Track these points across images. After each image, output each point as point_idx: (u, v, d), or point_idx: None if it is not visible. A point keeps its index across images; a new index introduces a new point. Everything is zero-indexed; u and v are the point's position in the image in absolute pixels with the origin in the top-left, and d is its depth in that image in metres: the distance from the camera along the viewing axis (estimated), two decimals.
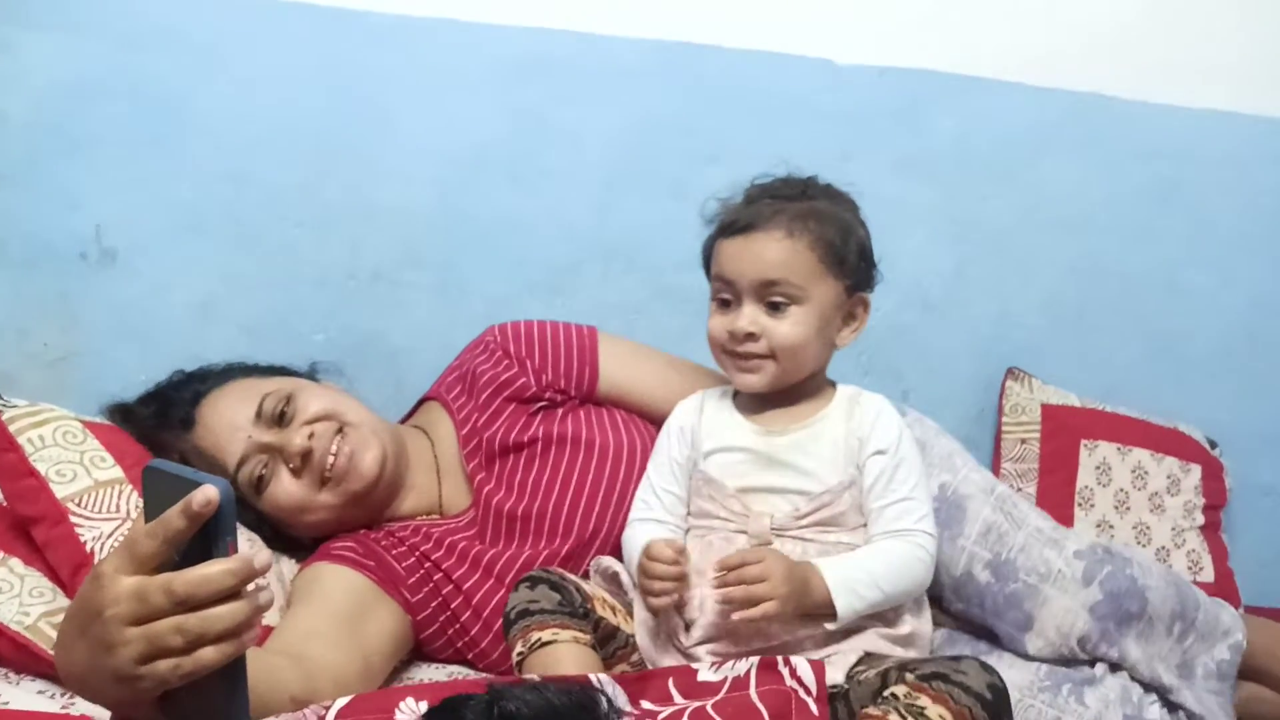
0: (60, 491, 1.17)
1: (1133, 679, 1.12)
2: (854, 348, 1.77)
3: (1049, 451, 1.67)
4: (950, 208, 1.76)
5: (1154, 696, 1.11)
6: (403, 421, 1.44)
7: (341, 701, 0.79)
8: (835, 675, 1.01)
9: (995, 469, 1.70)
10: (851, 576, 1.05)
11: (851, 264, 1.13)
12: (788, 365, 1.12)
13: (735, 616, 1.02)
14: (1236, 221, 1.80)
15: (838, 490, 1.10)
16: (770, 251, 1.11)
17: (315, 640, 1.06)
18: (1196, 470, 1.67)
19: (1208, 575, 1.61)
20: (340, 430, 1.26)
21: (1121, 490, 1.65)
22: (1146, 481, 1.66)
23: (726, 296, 1.13)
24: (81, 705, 0.98)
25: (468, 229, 1.68)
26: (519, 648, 1.05)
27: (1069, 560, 1.15)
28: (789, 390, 1.15)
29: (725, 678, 0.79)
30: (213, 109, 1.61)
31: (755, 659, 0.80)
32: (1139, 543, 1.62)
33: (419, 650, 1.26)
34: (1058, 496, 1.64)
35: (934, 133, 1.74)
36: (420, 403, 1.45)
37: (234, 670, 0.74)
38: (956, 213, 1.76)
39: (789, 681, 0.80)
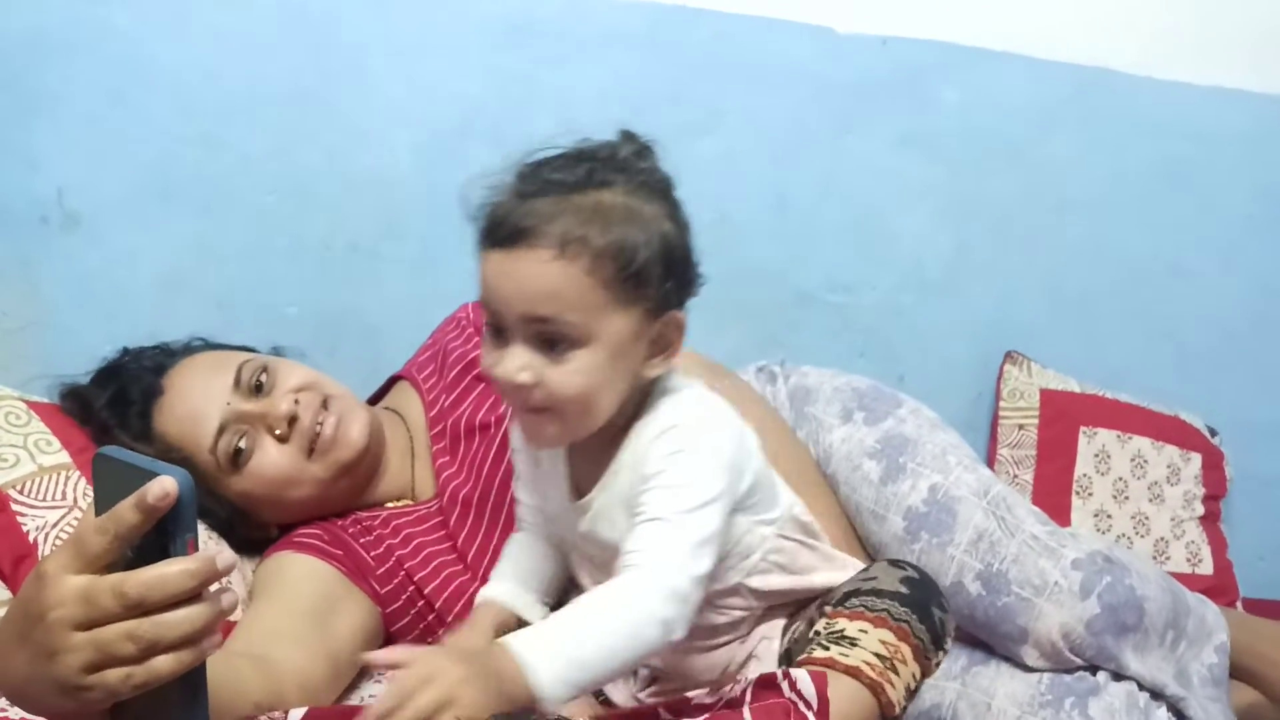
0: (0, 478, 1.09)
1: (1140, 687, 1.08)
2: (848, 328, 1.76)
3: (1047, 438, 1.63)
4: (952, 185, 1.70)
5: (1161, 704, 1.07)
6: (373, 401, 1.37)
7: (298, 713, 0.73)
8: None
9: (991, 455, 1.65)
10: (555, 651, 0.78)
11: (654, 279, 0.86)
12: (575, 420, 0.88)
13: None
14: (1243, 203, 1.76)
15: None
16: (536, 278, 0.84)
17: (280, 640, 1.00)
18: (1197, 459, 1.63)
19: (1206, 568, 1.57)
20: (324, 402, 1.20)
21: (1120, 479, 1.61)
22: (1146, 470, 1.61)
23: (497, 325, 0.87)
24: (19, 713, 0.91)
25: (450, 199, 1.58)
26: None
27: (1066, 571, 1.10)
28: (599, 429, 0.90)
29: (719, 697, 0.75)
30: (180, 67, 1.53)
31: (752, 677, 0.76)
32: (1137, 534, 1.58)
33: (391, 644, 1.19)
34: (1055, 484, 1.60)
35: (937, 106, 1.68)
36: (391, 382, 1.38)
37: (193, 680, 0.67)
38: (958, 190, 1.71)
39: (788, 694, 0.75)
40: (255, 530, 1.21)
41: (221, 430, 1.16)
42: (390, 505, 1.26)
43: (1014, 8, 1.68)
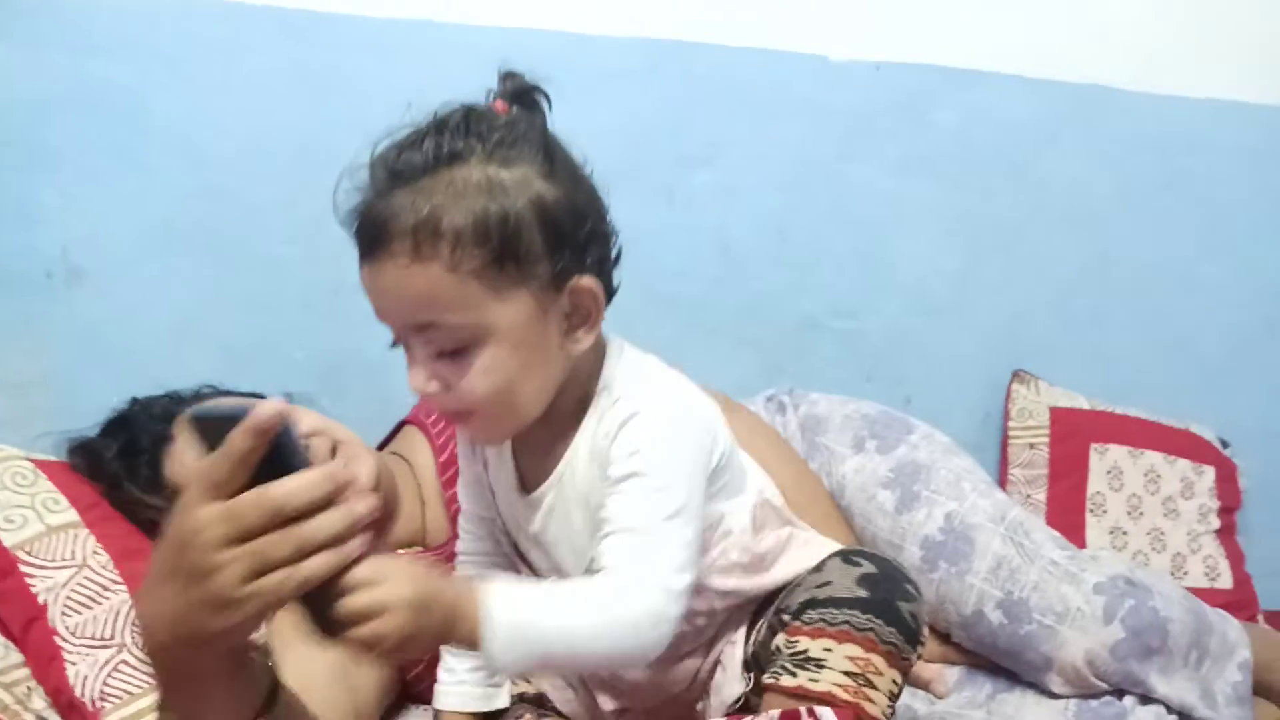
0: (9, 539, 1.09)
1: (1168, 710, 1.07)
2: (854, 353, 1.75)
3: (1058, 456, 1.62)
4: (953, 205, 1.70)
5: None
6: (381, 446, 1.37)
7: None
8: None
9: (1002, 476, 1.64)
10: (523, 621, 0.73)
11: (536, 251, 0.77)
12: (503, 418, 0.81)
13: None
14: (1245, 212, 1.76)
15: None
16: (402, 288, 0.76)
17: (304, 694, 0.99)
18: (1210, 472, 1.62)
19: (1225, 581, 1.56)
20: (333, 449, 1.20)
21: (1134, 495, 1.60)
22: (1159, 485, 1.60)
23: (396, 337, 0.81)
24: None
25: None
26: None
27: (1088, 596, 1.09)
28: (545, 414, 0.83)
29: None
30: (181, 120, 1.54)
31: (775, 712, 0.75)
32: (1154, 549, 1.57)
33: (408, 692, 1.19)
34: (1068, 503, 1.59)
35: (934, 128, 1.69)
36: (399, 427, 1.38)
37: None
38: (960, 210, 1.71)
39: None
40: None
41: None
42: (401, 551, 1.25)
43: (1004, 29, 1.69)
